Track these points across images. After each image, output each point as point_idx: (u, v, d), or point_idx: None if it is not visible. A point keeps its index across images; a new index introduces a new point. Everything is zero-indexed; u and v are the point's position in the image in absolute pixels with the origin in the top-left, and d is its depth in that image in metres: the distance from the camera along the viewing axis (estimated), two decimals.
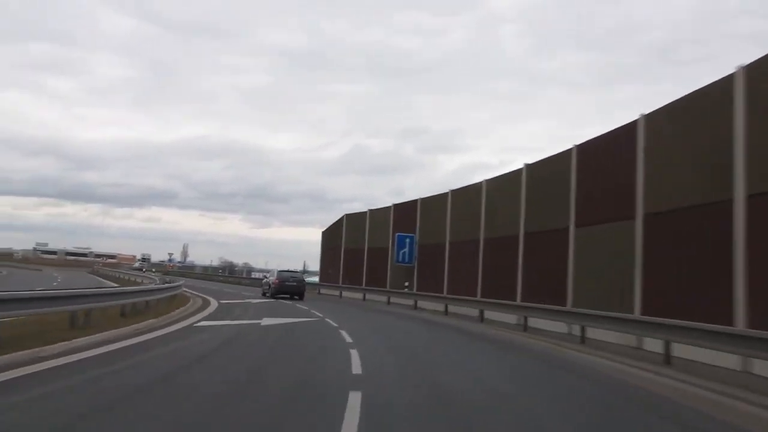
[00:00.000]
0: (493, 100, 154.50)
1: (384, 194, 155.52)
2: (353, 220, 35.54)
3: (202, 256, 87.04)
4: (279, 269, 32.50)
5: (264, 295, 30.57)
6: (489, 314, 19.54)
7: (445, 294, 23.98)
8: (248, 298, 27.55)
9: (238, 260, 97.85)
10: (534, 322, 16.58)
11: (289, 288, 29.03)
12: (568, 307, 15.68)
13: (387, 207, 31.54)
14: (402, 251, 27.78)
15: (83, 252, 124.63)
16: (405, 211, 29.48)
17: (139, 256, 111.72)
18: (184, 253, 76.49)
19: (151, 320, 13.51)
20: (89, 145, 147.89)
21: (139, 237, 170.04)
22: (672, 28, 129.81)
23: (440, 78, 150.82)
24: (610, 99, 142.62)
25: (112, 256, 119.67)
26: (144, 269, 51.76)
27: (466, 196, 23.92)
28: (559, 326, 15.48)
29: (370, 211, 33.51)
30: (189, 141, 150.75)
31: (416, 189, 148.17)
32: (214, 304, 22.94)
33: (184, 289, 31.74)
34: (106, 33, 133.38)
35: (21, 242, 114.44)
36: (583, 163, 16.34)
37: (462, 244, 23.71)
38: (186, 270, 70.89)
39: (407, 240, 27.84)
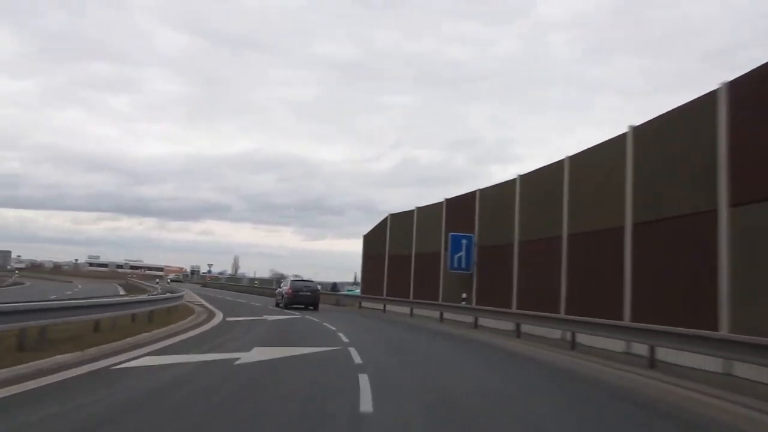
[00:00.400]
0: (546, 109, 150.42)
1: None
2: (399, 220, 30.14)
3: (254, 268, 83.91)
4: (293, 278, 29.80)
5: (278, 305, 28.27)
6: (583, 338, 13.77)
7: (514, 309, 18.35)
8: (267, 314, 22.54)
9: (289, 272, 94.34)
10: (666, 353, 10.79)
11: (302, 298, 27.14)
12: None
13: (437, 203, 26.07)
14: (457, 255, 22.23)
15: (134, 264, 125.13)
16: (460, 207, 23.96)
17: (188, 269, 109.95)
18: (235, 266, 73.67)
19: (113, 343, 10.37)
20: (145, 161, 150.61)
21: (193, 249, 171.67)
22: (730, 31, 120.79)
23: (491, 87, 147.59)
24: (666, 105, 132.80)
25: (160, 269, 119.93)
26: (169, 281, 47.77)
27: (542, 180, 18.27)
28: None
29: (418, 209, 28.05)
30: (242, 154, 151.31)
31: None
32: (216, 320, 18.11)
33: (204, 303, 27.46)
34: (160, 50, 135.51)
35: (80, 255, 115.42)
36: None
37: (537, 244, 18.07)
38: (231, 282, 67.38)
39: (463, 241, 22.29)
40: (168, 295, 22.24)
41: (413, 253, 27.62)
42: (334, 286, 74.09)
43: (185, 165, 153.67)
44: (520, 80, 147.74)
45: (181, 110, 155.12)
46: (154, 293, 27.01)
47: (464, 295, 21.83)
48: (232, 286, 60.02)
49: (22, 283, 49.02)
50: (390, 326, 19.75)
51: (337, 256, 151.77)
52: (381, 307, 28.69)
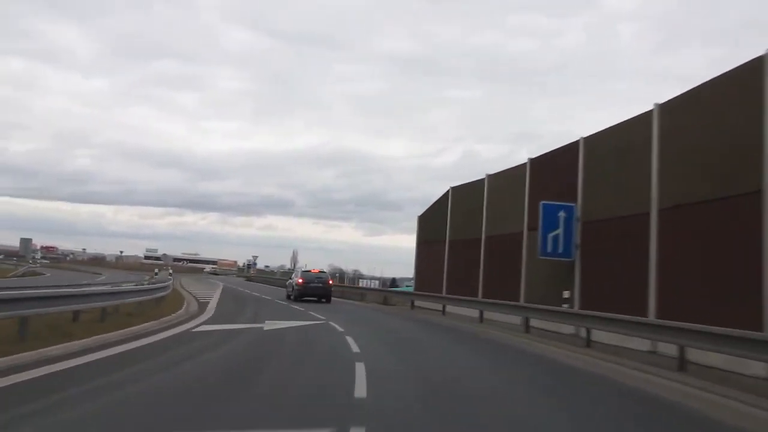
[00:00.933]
0: (612, 101, 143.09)
1: None
2: (463, 194, 23.02)
3: (313, 263, 78.76)
4: (303, 269, 28.44)
5: (288, 297, 26.77)
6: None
7: (653, 317, 11.13)
8: (272, 318, 16.16)
9: (349, 267, 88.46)
10: None
11: (313, 290, 25.69)
12: None
13: (518, 166, 18.89)
14: (552, 235, 15.02)
15: (191, 258, 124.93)
16: (553, 168, 16.77)
17: (249, 260, 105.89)
18: (294, 260, 69.19)
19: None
20: (210, 157, 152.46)
21: (256, 244, 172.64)
22: None
23: (555, 80, 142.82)
24: None
25: (213, 262, 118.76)
26: (171, 272, 42.28)
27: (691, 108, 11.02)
28: None
29: (490, 176, 20.88)
30: (304, 150, 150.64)
31: None
32: (177, 329, 11.70)
33: (207, 298, 21.69)
34: (226, 48, 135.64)
35: (143, 250, 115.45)
36: None
37: (688, 211, 10.83)
38: (284, 276, 63.17)
39: (561, 214, 15.06)
40: (146, 286, 17.08)
41: (483, 235, 20.51)
42: (393, 282, 67.79)
43: (249, 161, 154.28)
44: (585, 72, 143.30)
45: (246, 107, 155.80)
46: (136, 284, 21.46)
47: (566, 294, 14.54)
48: (277, 281, 54.62)
49: (42, 273, 44.93)
50: (457, 345, 12.80)
51: (396, 251, 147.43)
52: (439, 307, 21.69)
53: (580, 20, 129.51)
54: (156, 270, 47.78)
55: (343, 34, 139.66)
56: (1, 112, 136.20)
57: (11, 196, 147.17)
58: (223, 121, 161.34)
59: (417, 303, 24.50)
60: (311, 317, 16.70)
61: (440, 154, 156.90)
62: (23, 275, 42.79)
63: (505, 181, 19.56)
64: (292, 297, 26.25)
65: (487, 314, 17.82)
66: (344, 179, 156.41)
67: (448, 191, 24.26)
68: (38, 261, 73.93)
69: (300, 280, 25.98)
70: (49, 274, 45.59)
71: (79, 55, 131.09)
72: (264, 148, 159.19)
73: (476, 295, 19.80)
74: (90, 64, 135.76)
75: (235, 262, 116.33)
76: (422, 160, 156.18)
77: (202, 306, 18.31)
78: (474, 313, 18.60)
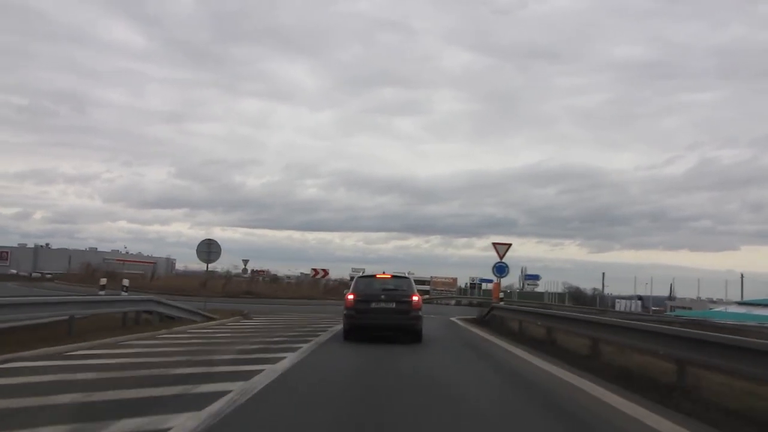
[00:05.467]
0: None
1: (737, 209, 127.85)
2: None
3: (543, 283, 72.00)
4: (360, 274, 17.30)
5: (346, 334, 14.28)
6: None
7: None
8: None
9: (582, 285, 75.11)
10: None
11: (376, 317, 13.78)
12: None
13: None
14: None
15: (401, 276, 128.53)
16: None
17: (468, 280, 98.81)
18: (522, 277, 65.24)
19: None
20: (431, 180, 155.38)
21: (476, 265, 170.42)
22: None
23: None
24: None
25: (426, 281, 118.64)
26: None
27: None
28: None
29: None
30: (525, 168, 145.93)
31: None
32: None
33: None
34: (447, 70, 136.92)
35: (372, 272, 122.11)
36: None
37: None
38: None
39: None
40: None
41: None
42: (641, 301, 57.68)
43: (469, 182, 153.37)
44: None
45: (466, 128, 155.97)
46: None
47: None
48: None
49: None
50: None
51: (626, 268, 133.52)
52: None
53: None
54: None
55: (566, 45, 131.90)
56: (243, 151, 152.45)
57: (249, 227, 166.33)
58: (442, 144, 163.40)
59: None
60: None
61: (672, 163, 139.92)
62: None
63: None
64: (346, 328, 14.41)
65: None
66: (568, 195, 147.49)
67: None
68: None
69: (351, 297, 14.13)
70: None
71: (307, 90, 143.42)
72: (484, 168, 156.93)
73: None
74: (316, 98, 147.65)
75: (455, 279, 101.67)
76: (652, 172, 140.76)
77: None
78: None
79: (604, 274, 66.94)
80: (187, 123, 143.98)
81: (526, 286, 68.80)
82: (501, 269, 23.97)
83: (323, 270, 47.20)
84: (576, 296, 65.44)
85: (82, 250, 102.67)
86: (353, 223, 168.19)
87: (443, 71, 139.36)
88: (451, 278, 71.13)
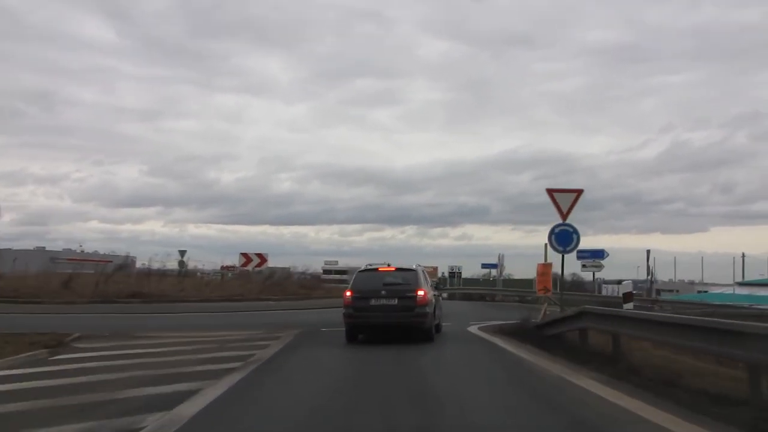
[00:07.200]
0: None
1: (707, 192, 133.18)
2: None
3: (515, 270, 67.95)
4: (360, 268, 14.53)
5: (348, 334, 13.37)
6: None
7: None
8: None
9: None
10: None
11: (378, 315, 12.85)
12: None
13: None
14: None
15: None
16: None
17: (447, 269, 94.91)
18: (500, 265, 59.69)
19: None
20: (406, 170, 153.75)
21: (451, 255, 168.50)
22: None
23: None
24: None
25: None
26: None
27: None
28: None
29: None
30: (500, 155, 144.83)
31: (748, 184, 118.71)
32: None
33: None
34: (422, 59, 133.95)
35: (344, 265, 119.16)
36: None
37: None
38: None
39: None
40: None
41: None
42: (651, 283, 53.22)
43: (445, 171, 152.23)
44: None
45: (443, 117, 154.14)
46: None
47: None
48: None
49: None
50: None
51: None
52: None
53: None
54: None
55: (541, 31, 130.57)
56: (217, 146, 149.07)
57: (224, 223, 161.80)
58: (418, 133, 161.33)
59: None
60: None
61: (645, 147, 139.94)
62: None
63: None
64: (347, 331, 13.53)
65: None
66: (543, 181, 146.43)
67: None
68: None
69: (348, 293, 13.25)
70: None
71: (282, 83, 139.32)
72: (460, 157, 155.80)
73: None
74: (291, 91, 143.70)
75: (436, 269, 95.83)
76: (625, 155, 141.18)
77: None
78: None
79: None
80: (161, 120, 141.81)
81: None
82: (565, 237, 14.44)
83: (259, 255, 33.39)
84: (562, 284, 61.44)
85: (28, 250, 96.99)
86: (328, 216, 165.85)
87: (419, 60, 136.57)
88: (432, 267, 71.36)
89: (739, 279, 52.68)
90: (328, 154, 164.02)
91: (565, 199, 14.36)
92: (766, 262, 63.68)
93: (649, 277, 47.22)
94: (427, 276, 14.66)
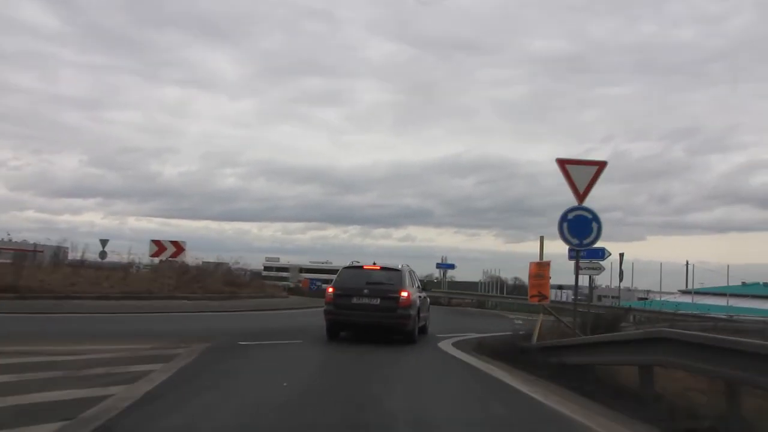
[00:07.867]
0: None
1: (646, 202, 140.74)
2: None
3: (456, 273, 66.61)
4: (345, 265, 13.94)
5: (329, 331, 13.03)
6: None
7: None
8: None
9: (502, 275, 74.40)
10: None
11: (361, 314, 12.51)
12: None
13: None
14: None
15: (323, 268, 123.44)
16: None
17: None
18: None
19: None
20: (352, 170, 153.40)
21: (394, 255, 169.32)
22: None
23: (718, 69, 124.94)
24: None
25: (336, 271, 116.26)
26: None
27: None
28: None
29: None
30: (445, 159, 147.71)
31: (684, 195, 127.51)
32: None
33: None
34: (370, 60, 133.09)
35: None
36: None
37: None
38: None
39: None
40: None
41: None
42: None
43: (389, 172, 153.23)
44: (755, 59, 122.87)
45: (388, 118, 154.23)
46: None
47: None
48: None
49: None
50: None
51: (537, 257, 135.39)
52: None
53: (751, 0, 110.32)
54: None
55: (488, 37, 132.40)
56: (160, 139, 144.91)
57: (166, 217, 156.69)
58: (364, 134, 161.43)
59: None
60: None
61: (586, 156, 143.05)
62: None
63: None
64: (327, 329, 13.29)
65: None
66: (486, 186, 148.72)
67: None
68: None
69: (330, 290, 13.05)
70: None
71: (228, 78, 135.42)
72: (404, 159, 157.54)
73: None
74: (237, 87, 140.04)
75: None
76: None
77: None
78: None
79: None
80: (102, 110, 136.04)
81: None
82: (582, 225, 10.28)
83: (174, 243, 25.79)
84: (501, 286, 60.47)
85: None
86: (272, 213, 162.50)
87: (366, 61, 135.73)
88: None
89: (681, 287, 53.76)
90: (273, 151, 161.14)
91: (582, 173, 10.26)
92: (704, 271, 65.56)
93: (590, 284, 48.15)
94: (413, 277, 14.32)
